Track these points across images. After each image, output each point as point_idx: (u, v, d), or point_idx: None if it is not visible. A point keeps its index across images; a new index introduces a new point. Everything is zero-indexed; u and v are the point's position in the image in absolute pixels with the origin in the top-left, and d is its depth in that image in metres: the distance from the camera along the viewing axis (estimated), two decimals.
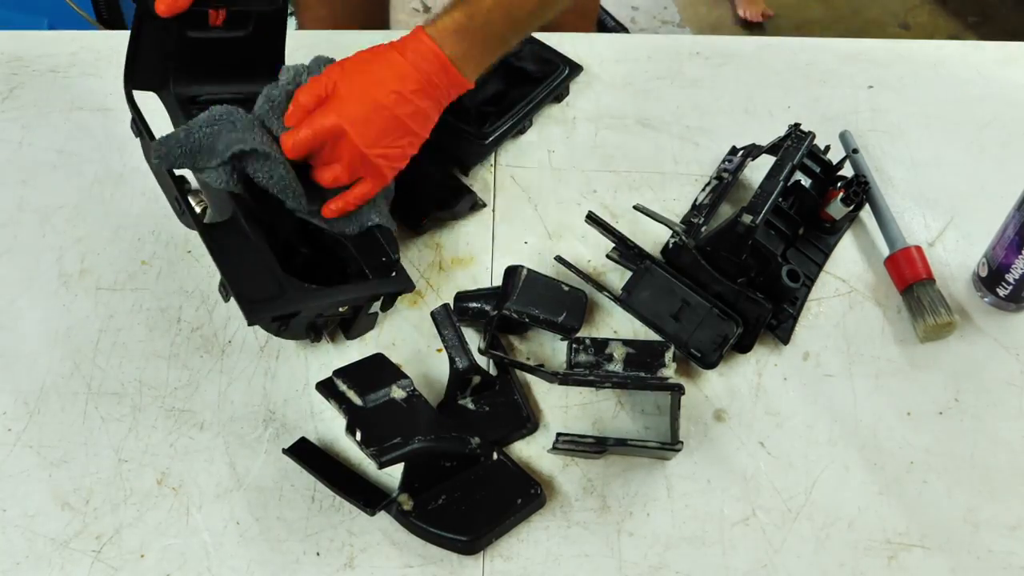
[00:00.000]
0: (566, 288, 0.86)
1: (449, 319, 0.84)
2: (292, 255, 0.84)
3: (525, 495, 0.76)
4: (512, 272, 0.85)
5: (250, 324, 0.74)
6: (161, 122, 0.84)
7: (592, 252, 0.93)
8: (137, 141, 0.85)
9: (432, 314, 0.85)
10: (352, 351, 0.86)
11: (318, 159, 0.82)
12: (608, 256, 0.91)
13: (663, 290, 0.86)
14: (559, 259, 0.89)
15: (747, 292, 0.83)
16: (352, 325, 0.85)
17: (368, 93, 0.80)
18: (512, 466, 0.78)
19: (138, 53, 0.82)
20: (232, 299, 0.74)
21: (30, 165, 0.99)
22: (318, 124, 0.79)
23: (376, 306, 0.84)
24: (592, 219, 0.87)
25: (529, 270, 0.85)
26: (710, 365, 0.83)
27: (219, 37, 0.85)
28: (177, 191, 0.80)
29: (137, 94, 0.84)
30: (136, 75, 0.83)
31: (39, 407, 0.82)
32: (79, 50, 1.10)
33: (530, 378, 0.84)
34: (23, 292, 0.89)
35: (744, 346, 0.85)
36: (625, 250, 0.88)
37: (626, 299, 0.87)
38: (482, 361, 0.84)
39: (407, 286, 0.84)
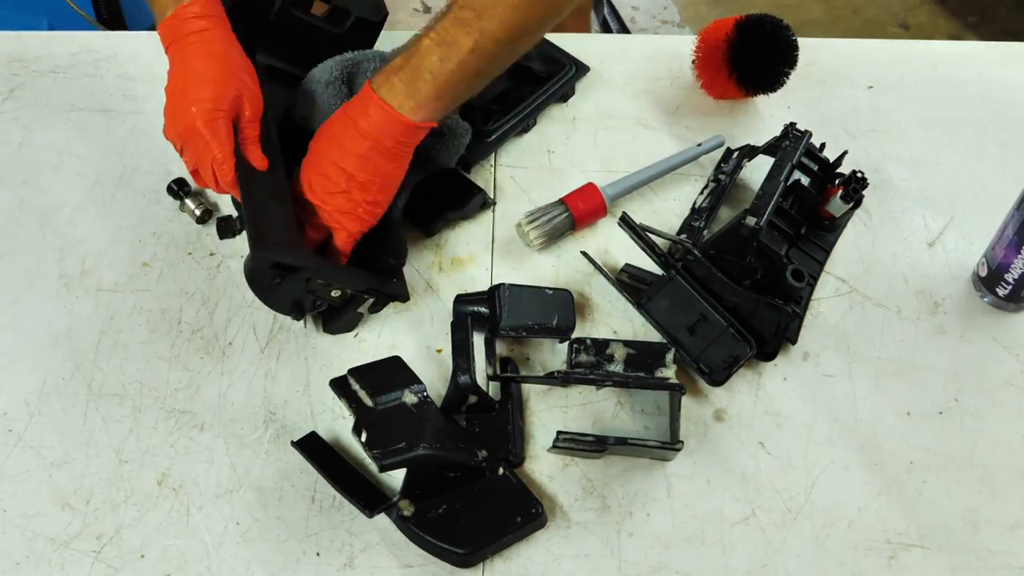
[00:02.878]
0: (550, 292, 0.85)
1: (465, 327, 0.83)
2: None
3: (526, 514, 0.75)
4: (494, 293, 0.84)
5: (254, 260, 0.76)
6: None
7: (591, 253, 0.92)
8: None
9: (453, 306, 0.85)
10: (353, 354, 0.86)
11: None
12: (617, 277, 0.89)
13: (683, 302, 0.86)
14: (584, 254, 0.90)
15: (765, 299, 0.82)
16: (336, 318, 0.85)
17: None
18: (516, 483, 0.77)
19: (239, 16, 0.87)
20: (239, 234, 0.75)
21: (30, 165, 0.99)
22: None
23: (366, 305, 0.85)
24: (625, 222, 0.86)
25: (510, 285, 0.84)
26: (716, 383, 0.83)
27: (315, 24, 0.91)
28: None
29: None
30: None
31: (40, 408, 0.82)
32: (79, 50, 1.10)
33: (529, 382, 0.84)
34: (24, 293, 0.90)
35: (768, 354, 0.84)
36: (654, 257, 0.87)
37: (645, 304, 0.87)
38: (483, 382, 0.83)
39: (402, 295, 0.85)
